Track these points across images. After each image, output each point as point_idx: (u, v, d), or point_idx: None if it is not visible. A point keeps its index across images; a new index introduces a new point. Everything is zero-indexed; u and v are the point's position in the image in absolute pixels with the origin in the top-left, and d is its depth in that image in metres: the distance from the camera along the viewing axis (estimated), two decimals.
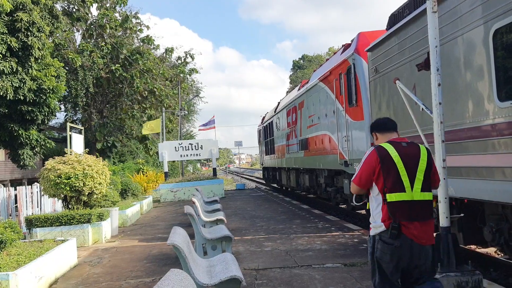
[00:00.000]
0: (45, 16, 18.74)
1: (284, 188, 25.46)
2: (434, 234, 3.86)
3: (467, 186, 6.38)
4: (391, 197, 3.64)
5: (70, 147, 16.12)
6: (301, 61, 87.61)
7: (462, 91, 6.15)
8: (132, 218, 14.27)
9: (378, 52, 9.00)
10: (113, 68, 29.60)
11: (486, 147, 5.72)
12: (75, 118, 34.56)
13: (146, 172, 26.65)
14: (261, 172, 35.73)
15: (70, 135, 16.36)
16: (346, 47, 12.06)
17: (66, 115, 34.34)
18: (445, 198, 4.92)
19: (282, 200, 19.25)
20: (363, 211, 13.65)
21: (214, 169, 24.17)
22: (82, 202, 11.17)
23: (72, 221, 10.26)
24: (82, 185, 10.64)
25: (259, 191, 26.78)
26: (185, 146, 23.32)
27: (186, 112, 36.98)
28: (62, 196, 11.12)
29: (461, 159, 6.37)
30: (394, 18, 8.96)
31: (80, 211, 10.54)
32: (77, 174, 10.57)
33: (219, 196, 21.67)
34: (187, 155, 23.47)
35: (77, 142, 17.02)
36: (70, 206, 11.17)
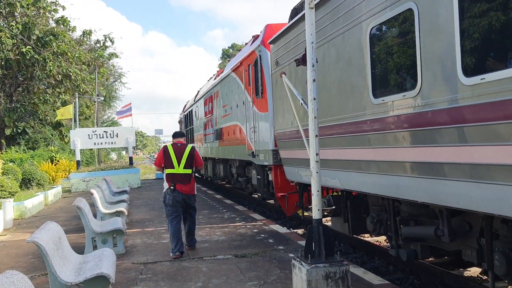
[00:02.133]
0: None
1: (204, 177, 25.34)
2: None
3: (351, 179, 6.62)
4: (168, 171, 7.40)
5: None
6: (231, 49, 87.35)
7: (345, 87, 6.34)
8: (32, 209, 13.50)
9: (278, 45, 9.08)
10: (24, 50, 27.69)
11: (364, 141, 5.95)
12: None
13: (58, 161, 25.32)
14: None
15: None
16: (255, 38, 12.08)
17: None
18: (318, 191, 5.04)
19: (198, 189, 19.13)
20: (272, 201, 13.90)
21: (131, 158, 23.48)
22: None
23: None
24: None
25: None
26: (100, 134, 22.42)
27: (102, 98, 35.53)
28: None
29: (345, 153, 6.59)
30: (295, 12, 9.06)
31: None
32: None
33: (135, 185, 21.16)
34: (101, 143, 22.59)
35: None
36: None
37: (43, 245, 4.43)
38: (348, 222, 7.52)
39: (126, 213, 10.08)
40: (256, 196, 15.71)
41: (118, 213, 9.92)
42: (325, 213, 8.78)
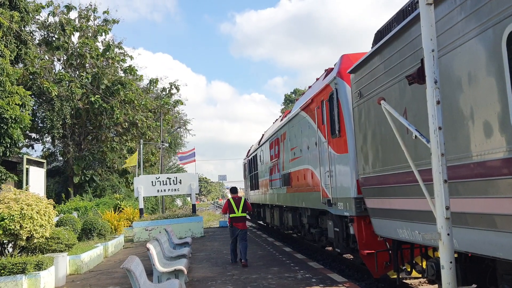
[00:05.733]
0: (10, 41, 17.53)
1: (269, 226, 23.80)
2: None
3: (474, 238, 4.93)
4: (231, 215, 11.68)
5: (27, 183, 14.58)
6: (293, 95, 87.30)
7: (466, 114, 4.78)
8: (90, 263, 12.56)
9: (362, 73, 7.69)
10: (92, 99, 28.27)
11: (500, 188, 4.30)
12: (53, 151, 33.01)
13: (123, 209, 24.85)
14: None
15: (27, 169, 14.83)
16: (328, 71, 10.78)
17: (44, 147, 32.81)
18: (450, 262, 3.44)
19: (264, 240, 17.62)
20: (351, 256, 12.10)
21: (194, 206, 22.50)
22: (20, 247, 9.57)
23: (3, 271, 8.62)
24: (19, 227, 9.06)
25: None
26: (163, 181, 21.71)
27: (167, 145, 35.47)
28: None
29: (467, 203, 4.93)
30: (380, 35, 7.72)
31: (14, 259, 8.91)
32: (13, 215, 9.00)
33: (198, 235, 20.05)
34: (164, 190, 21.82)
35: (37, 176, 15.48)
36: (6, 252, 9.55)
37: None
38: None
39: (186, 272, 8.78)
40: (330, 249, 13.97)
41: (176, 272, 8.64)
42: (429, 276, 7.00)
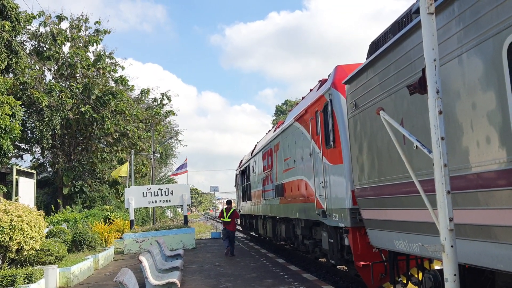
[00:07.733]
0: (1, 51, 17.35)
1: (262, 237, 23.64)
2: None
3: (474, 250, 4.89)
4: (222, 219, 16.72)
5: (16, 194, 14.36)
6: (284, 106, 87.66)
7: (465, 125, 4.77)
8: (80, 275, 12.33)
9: (357, 84, 7.69)
10: (83, 109, 28.06)
11: (501, 199, 4.27)
12: (42, 161, 32.63)
13: (113, 220, 24.56)
14: None
15: (16, 180, 14.61)
16: (322, 82, 10.79)
17: (33, 158, 32.44)
18: (454, 275, 3.39)
19: (257, 252, 17.46)
20: (345, 268, 12.02)
21: (185, 217, 22.28)
22: (10, 260, 9.36)
23: None
24: (8, 239, 8.87)
25: (235, 240, 24.80)
26: (154, 192, 21.50)
27: (158, 155, 35.25)
28: None
29: (466, 215, 4.90)
30: (375, 46, 7.74)
31: (4, 271, 8.71)
32: (3, 227, 8.82)
33: (190, 246, 19.84)
34: (156, 201, 21.62)
35: (27, 187, 15.23)
36: None
37: None
38: None
39: (179, 285, 8.64)
40: (324, 260, 13.88)
41: (169, 285, 8.51)
42: None
